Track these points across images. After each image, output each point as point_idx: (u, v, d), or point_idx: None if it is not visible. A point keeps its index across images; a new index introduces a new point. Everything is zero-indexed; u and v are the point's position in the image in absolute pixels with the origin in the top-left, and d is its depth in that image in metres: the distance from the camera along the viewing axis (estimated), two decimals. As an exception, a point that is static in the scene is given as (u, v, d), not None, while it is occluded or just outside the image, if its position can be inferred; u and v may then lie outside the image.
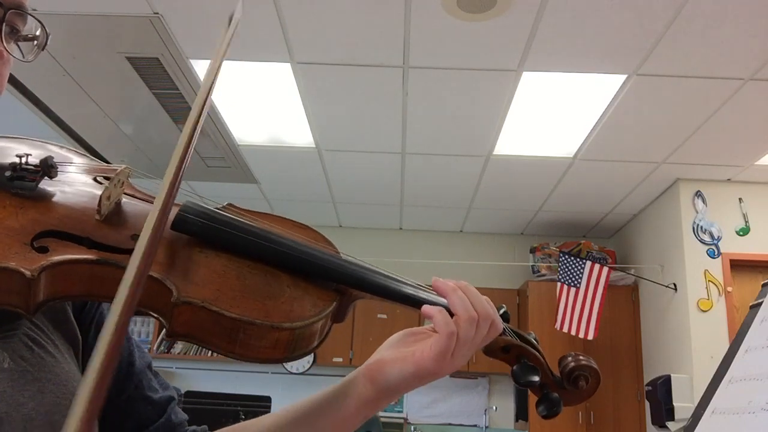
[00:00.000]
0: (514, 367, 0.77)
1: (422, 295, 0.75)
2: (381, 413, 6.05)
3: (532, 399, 0.81)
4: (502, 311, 0.80)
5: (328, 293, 0.71)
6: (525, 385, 0.76)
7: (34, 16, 0.69)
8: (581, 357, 0.80)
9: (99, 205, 0.65)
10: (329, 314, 0.69)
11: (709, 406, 0.97)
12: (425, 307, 0.71)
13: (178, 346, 6.28)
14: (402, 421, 6.30)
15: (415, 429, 6.25)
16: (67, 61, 3.73)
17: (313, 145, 4.82)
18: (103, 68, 3.79)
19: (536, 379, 0.77)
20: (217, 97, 4.13)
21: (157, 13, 3.28)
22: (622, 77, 3.71)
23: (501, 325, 0.74)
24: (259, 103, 4.24)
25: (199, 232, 0.69)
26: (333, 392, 0.76)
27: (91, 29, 3.40)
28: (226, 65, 3.77)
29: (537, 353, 0.79)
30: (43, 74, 3.85)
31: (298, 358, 0.68)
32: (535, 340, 0.80)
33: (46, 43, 0.71)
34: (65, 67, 3.78)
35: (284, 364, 5.62)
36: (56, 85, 3.99)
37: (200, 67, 3.78)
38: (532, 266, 6.21)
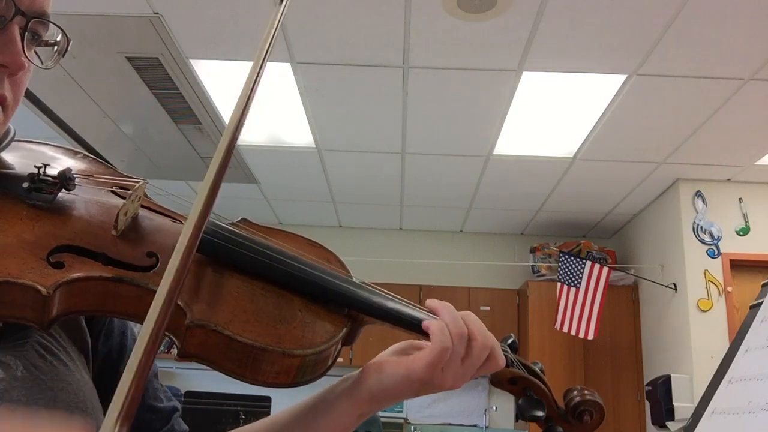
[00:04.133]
0: (520, 401, 0.78)
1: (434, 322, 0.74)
2: (381, 413, 6.05)
3: None
4: (510, 341, 0.81)
5: (340, 318, 0.70)
6: (530, 420, 0.77)
7: (56, 24, 0.68)
8: (587, 392, 0.81)
9: (116, 221, 0.65)
10: (340, 340, 0.69)
11: (709, 406, 0.97)
12: (426, 322, 0.71)
13: (178, 346, 6.26)
14: (402, 421, 6.30)
15: (415, 429, 6.25)
16: (67, 61, 3.72)
17: (313, 145, 4.83)
18: (103, 68, 3.79)
19: (541, 414, 0.78)
20: (217, 97, 4.13)
21: (157, 13, 3.28)
22: (622, 77, 3.71)
23: (503, 359, 0.73)
24: (259, 103, 4.24)
25: (215, 253, 0.68)
26: (325, 394, 0.76)
27: (91, 29, 3.40)
28: (227, 65, 3.77)
29: (543, 386, 0.79)
30: (44, 74, 3.84)
31: (308, 383, 0.68)
32: (541, 371, 0.81)
33: (66, 49, 0.70)
34: (65, 67, 3.78)
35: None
36: (56, 85, 3.99)
37: (200, 67, 3.78)
38: (532, 266, 6.21)
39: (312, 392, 0.77)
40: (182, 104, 4.20)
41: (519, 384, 0.79)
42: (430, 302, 0.74)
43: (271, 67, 3.78)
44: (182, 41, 3.51)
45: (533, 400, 0.78)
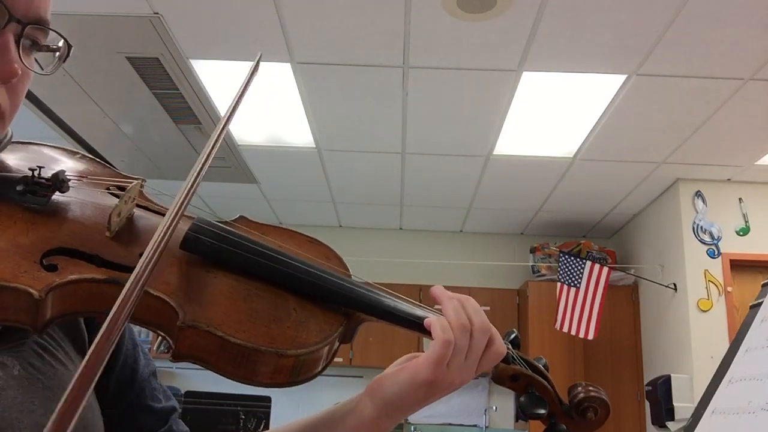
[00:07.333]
0: (522, 398, 0.77)
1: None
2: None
3: None
4: (513, 336, 0.79)
5: (336, 317, 0.69)
6: (532, 417, 0.76)
7: (56, 31, 0.67)
8: (591, 388, 0.79)
9: (109, 222, 0.64)
10: (335, 339, 0.68)
11: (709, 406, 0.97)
12: (427, 319, 0.70)
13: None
14: (402, 421, 6.29)
15: (415, 429, 6.25)
16: (67, 62, 3.70)
17: (313, 145, 4.82)
18: (103, 68, 3.79)
19: (543, 411, 0.76)
20: (217, 97, 4.13)
21: (157, 13, 3.28)
22: (622, 77, 3.70)
23: (503, 346, 0.72)
24: (259, 103, 4.24)
25: (209, 253, 0.68)
26: (334, 411, 0.75)
27: (91, 29, 3.40)
28: (227, 65, 3.77)
29: (545, 382, 0.78)
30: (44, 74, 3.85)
31: (303, 382, 0.68)
32: (545, 367, 0.79)
33: (68, 55, 0.69)
34: (65, 67, 3.76)
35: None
36: (56, 85, 3.99)
37: (200, 67, 3.78)
38: (532, 266, 6.21)
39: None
40: (182, 104, 4.20)
41: (521, 381, 0.77)
42: (434, 290, 0.73)
43: (271, 67, 3.78)
44: (182, 41, 3.51)
45: (535, 397, 0.76)
